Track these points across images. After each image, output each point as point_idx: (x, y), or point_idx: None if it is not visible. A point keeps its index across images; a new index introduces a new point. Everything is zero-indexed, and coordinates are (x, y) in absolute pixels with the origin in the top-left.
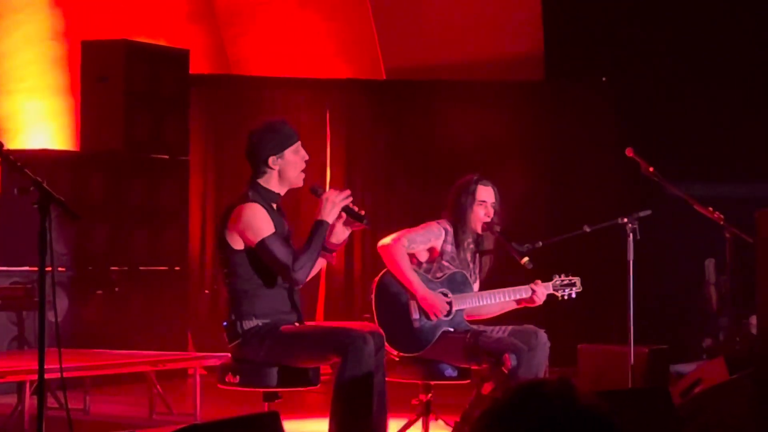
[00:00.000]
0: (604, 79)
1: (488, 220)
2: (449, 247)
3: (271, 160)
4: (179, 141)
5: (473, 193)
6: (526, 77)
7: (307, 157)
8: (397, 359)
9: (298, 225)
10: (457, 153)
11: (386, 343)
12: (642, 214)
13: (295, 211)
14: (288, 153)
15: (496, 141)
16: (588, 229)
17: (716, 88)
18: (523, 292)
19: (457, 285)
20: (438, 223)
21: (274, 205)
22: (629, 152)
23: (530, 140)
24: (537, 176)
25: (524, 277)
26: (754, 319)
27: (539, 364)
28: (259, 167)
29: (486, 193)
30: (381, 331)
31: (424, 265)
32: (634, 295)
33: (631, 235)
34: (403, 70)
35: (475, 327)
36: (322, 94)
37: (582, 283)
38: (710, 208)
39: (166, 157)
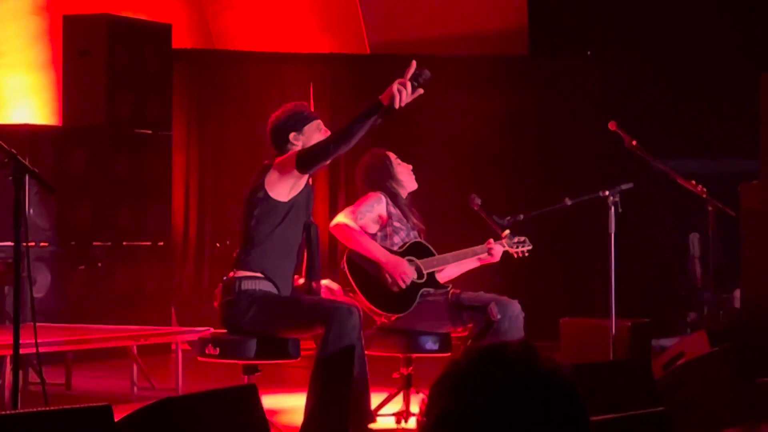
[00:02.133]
0: (588, 53)
1: (411, 173)
2: (394, 210)
3: (292, 135)
4: (162, 116)
5: (388, 157)
6: (510, 52)
7: (329, 133)
8: (389, 323)
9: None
10: (440, 127)
11: (376, 308)
12: (624, 187)
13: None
14: (307, 129)
15: (480, 115)
16: (569, 202)
17: (701, 64)
18: (480, 250)
19: (419, 252)
20: (373, 193)
21: None
22: (612, 126)
23: (514, 114)
24: (520, 149)
25: (480, 239)
26: (737, 293)
27: (513, 334)
28: (281, 146)
29: (393, 155)
30: (363, 308)
31: (379, 235)
32: (616, 269)
33: (612, 207)
34: (387, 45)
35: (452, 288)
36: (306, 68)
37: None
38: (693, 182)
39: (149, 132)
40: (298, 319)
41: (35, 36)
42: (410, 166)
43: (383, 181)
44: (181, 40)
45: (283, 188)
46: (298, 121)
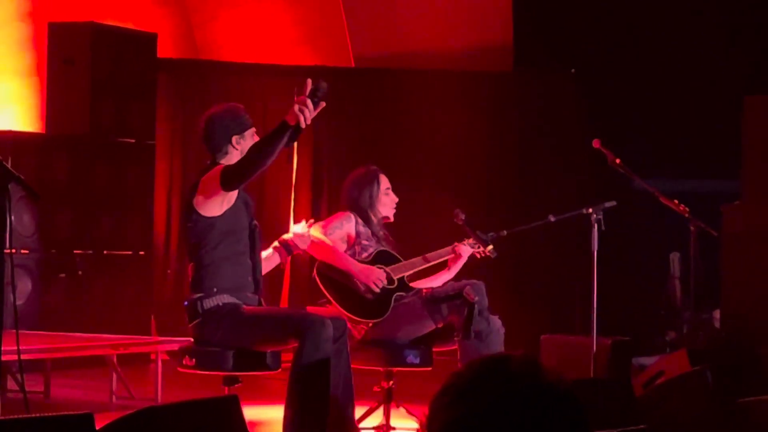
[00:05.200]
0: (572, 70)
1: (394, 206)
2: (363, 229)
3: (234, 139)
4: (145, 125)
5: (379, 183)
6: (494, 68)
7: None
8: (369, 327)
9: (261, 205)
10: (423, 142)
11: (354, 315)
12: (607, 205)
13: (259, 192)
14: (248, 134)
15: (463, 130)
16: (553, 219)
17: (685, 84)
18: (444, 253)
19: (386, 260)
20: (343, 212)
21: None
22: (596, 144)
23: (498, 130)
24: (504, 165)
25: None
26: (717, 313)
27: (494, 350)
28: (222, 147)
29: (387, 181)
30: (343, 317)
31: (347, 253)
32: (597, 287)
33: (596, 225)
34: (372, 59)
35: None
36: (290, 80)
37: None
38: (675, 201)
39: (132, 141)
40: (270, 334)
41: (20, 43)
42: (396, 199)
43: (360, 201)
44: (166, 49)
45: (213, 205)
46: (241, 125)
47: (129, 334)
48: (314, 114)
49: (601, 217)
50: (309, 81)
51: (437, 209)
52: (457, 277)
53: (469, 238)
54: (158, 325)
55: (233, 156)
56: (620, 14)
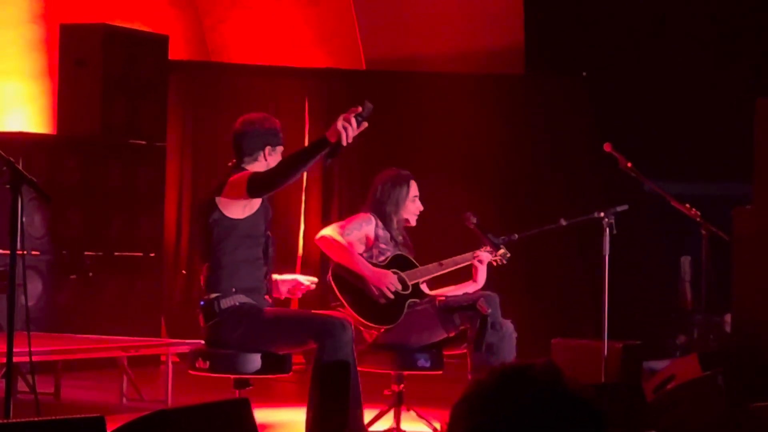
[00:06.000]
0: (584, 74)
1: (418, 213)
2: (382, 232)
3: (267, 149)
4: (156, 127)
5: (408, 189)
6: (506, 71)
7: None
8: (380, 333)
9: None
10: (434, 145)
11: (366, 321)
12: (619, 209)
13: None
14: (278, 150)
15: (474, 133)
16: (565, 223)
17: (696, 86)
18: (460, 260)
19: (402, 264)
20: (364, 213)
21: None
22: (607, 147)
23: (509, 133)
24: (515, 169)
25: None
26: (728, 317)
27: (507, 354)
28: (253, 152)
29: (416, 189)
30: (353, 321)
31: (364, 255)
32: (609, 291)
33: (607, 229)
34: (383, 61)
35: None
36: (301, 82)
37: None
38: (687, 205)
39: (143, 142)
40: (290, 335)
41: (32, 44)
42: (421, 208)
43: (386, 204)
44: (178, 51)
45: (237, 207)
46: (276, 138)
47: (139, 336)
48: (356, 133)
49: (612, 221)
50: (357, 106)
51: (448, 212)
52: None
53: (483, 243)
54: (168, 327)
55: (259, 165)
56: (631, 18)
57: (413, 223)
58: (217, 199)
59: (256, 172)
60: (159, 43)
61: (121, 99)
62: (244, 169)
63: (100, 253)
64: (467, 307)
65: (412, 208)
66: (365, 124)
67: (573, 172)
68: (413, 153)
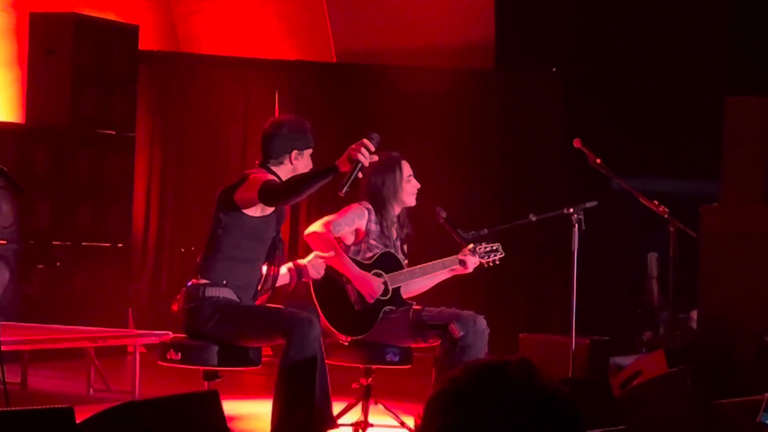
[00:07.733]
0: (554, 69)
1: (416, 192)
2: (374, 226)
3: (294, 153)
4: (126, 117)
5: (401, 170)
6: (476, 65)
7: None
8: (347, 344)
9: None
10: (404, 138)
11: (334, 329)
12: (588, 205)
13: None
14: (306, 153)
15: (444, 128)
16: (534, 218)
17: (666, 84)
18: (450, 262)
19: (388, 264)
20: (359, 204)
21: None
22: (577, 143)
23: (479, 128)
24: (484, 164)
25: (453, 248)
26: (694, 314)
27: (478, 350)
28: (279, 156)
29: (408, 168)
30: (320, 314)
31: (352, 248)
32: (577, 286)
33: (576, 225)
34: (354, 54)
35: (414, 305)
36: (271, 74)
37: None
38: (655, 202)
39: (113, 132)
40: (259, 330)
41: (1, 32)
42: (418, 185)
43: (383, 191)
44: (148, 41)
45: (250, 205)
46: (305, 142)
47: (107, 326)
48: (371, 160)
49: (581, 216)
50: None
51: (417, 206)
52: (445, 287)
53: (465, 246)
54: (135, 318)
55: (284, 168)
56: (603, 13)
57: (413, 203)
58: (237, 191)
59: (268, 181)
60: (129, 33)
61: (91, 89)
62: (268, 168)
63: (68, 243)
64: (440, 326)
65: (409, 189)
66: (376, 157)
67: (543, 168)
68: (382, 146)
